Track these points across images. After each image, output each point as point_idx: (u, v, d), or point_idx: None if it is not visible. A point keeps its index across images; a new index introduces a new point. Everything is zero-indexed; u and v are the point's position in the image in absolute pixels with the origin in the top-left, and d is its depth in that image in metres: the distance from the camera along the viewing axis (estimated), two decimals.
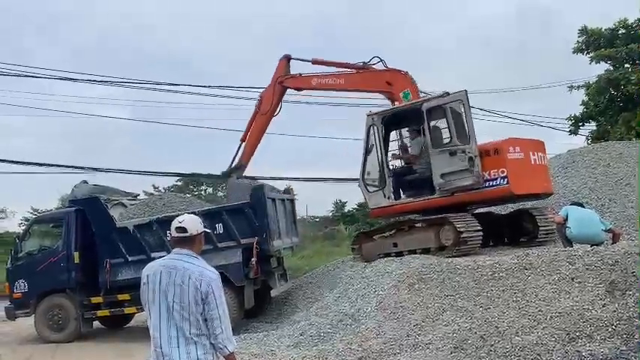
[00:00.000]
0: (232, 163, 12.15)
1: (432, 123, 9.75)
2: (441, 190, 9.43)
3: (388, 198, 10.06)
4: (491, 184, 9.12)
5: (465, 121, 9.38)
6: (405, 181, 10.32)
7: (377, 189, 10.23)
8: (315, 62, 11.81)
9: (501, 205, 10.61)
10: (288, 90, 11.96)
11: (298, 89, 12.16)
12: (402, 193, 10.31)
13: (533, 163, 9.49)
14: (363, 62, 11.32)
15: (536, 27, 79.84)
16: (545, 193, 9.95)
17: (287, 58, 11.89)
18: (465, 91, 9.53)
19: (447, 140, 9.63)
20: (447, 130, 9.74)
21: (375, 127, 10.22)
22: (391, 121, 10.54)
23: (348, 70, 11.56)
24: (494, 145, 9.36)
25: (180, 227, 3.43)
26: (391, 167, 10.51)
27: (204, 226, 3.57)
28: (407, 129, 10.91)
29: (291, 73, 11.89)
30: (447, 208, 9.57)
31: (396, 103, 10.72)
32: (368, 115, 10.42)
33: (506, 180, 9.00)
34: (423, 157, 10.00)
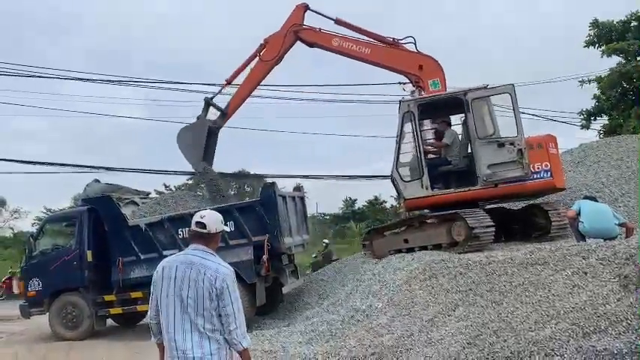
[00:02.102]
0: (212, 98, 11.54)
1: (478, 113, 9.71)
2: (486, 182, 9.39)
3: (426, 188, 9.69)
4: (535, 176, 9.34)
5: (514, 113, 9.45)
6: (441, 171, 10.05)
7: (413, 179, 9.89)
8: (338, 22, 10.93)
9: (540, 198, 10.67)
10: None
11: (311, 45, 11.10)
12: (438, 184, 9.94)
13: (560, 158, 9.98)
14: (394, 38, 10.79)
15: (545, 21, 79.26)
16: (559, 187, 9.97)
17: (304, 7, 10.98)
18: (512, 84, 9.59)
19: (492, 132, 9.75)
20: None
21: (411, 115, 9.82)
22: (426, 109, 10.15)
23: (376, 41, 10.90)
24: (538, 140, 9.60)
25: (199, 222, 3.45)
26: (409, 157, 10.18)
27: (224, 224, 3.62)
28: (436, 119, 10.76)
29: (306, 25, 11.01)
30: (487, 200, 9.76)
31: (417, 91, 10.42)
32: (402, 102, 10.03)
33: (549, 173, 9.36)
34: (456, 148, 9.97)
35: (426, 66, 10.48)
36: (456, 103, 9.81)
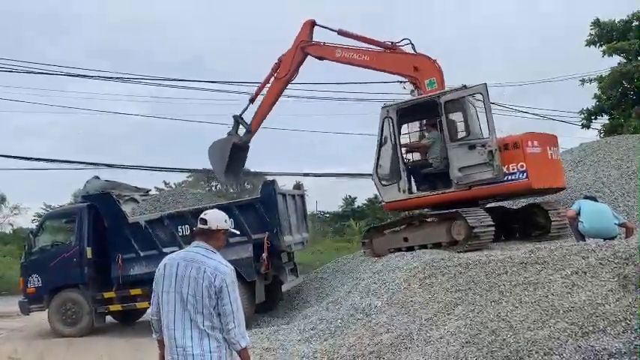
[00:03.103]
0: (241, 114, 12.14)
1: (450, 116, 9.71)
2: (458, 184, 9.39)
3: (403, 192, 9.96)
4: (510, 178, 9.12)
5: (485, 114, 9.38)
6: (420, 174, 10.23)
7: (391, 182, 10.12)
8: (341, 33, 11.39)
9: (517, 199, 10.57)
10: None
11: (320, 58, 11.61)
12: (417, 186, 10.18)
13: (549, 157, 9.51)
14: (392, 42, 11.03)
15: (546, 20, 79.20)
16: (559, 187, 9.90)
17: (311, 23, 11.53)
18: (485, 84, 9.53)
19: (464, 134, 9.63)
20: (462, 123, 9.73)
21: (390, 120, 10.10)
22: (407, 113, 10.38)
23: (375, 47, 11.19)
24: (514, 139, 9.36)
25: (202, 219, 3.49)
26: (406, 160, 10.44)
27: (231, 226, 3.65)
28: (424, 122, 10.87)
29: (315, 40, 11.52)
30: (463, 202, 9.57)
31: (417, 90, 10.51)
32: (383, 108, 10.29)
33: (525, 174, 9.03)
34: (437, 151, 9.96)
35: (421, 67, 10.52)
36: (433, 106, 9.86)
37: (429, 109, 10.08)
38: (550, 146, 9.69)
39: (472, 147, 9.32)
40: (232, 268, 3.42)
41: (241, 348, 3.33)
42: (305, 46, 11.45)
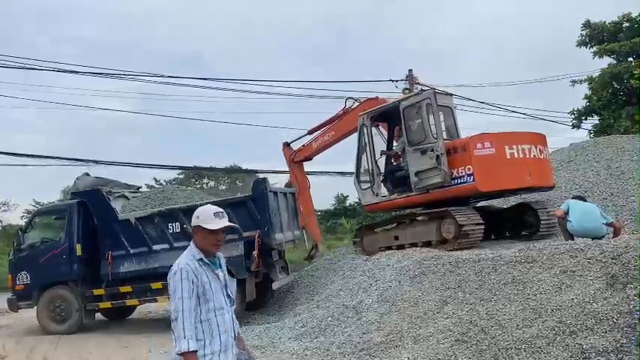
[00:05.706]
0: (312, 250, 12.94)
1: (410, 121, 9.87)
2: (417, 188, 9.58)
3: (376, 195, 10.51)
4: (458, 181, 9.12)
5: (434, 119, 9.52)
6: (392, 178, 10.66)
7: (367, 186, 10.65)
8: (309, 132, 13.03)
9: (476, 201, 10.47)
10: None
11: (309, 158, 13.09)
12: (388, 190, 10.69)
13: (509, 157, 9.07)
14: (342, 109, 12.23)
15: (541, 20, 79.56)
16: (544, 186, 9.79)
17: (286, 144, 13.31)
18: (433, 89, 9.91)
19: (423, 138, 9.66)
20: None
21: (366, 127, 10.61)
22: (379, 120, 11.09)
23: (333, 122, 12.35)
24: (462, 143, 9.36)
25: None
26: (381, 165, 10.88)
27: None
28: (397, 127, 11.23)
29: (295, 151, 13.05)
30: (424, 205, 9.99)
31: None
32: (359, 116, 10.86)
33: (472, 177, 8.95)
34: (405, 156, 10.22)
35: (367, 109, 11.18)
36: (397, 112, 10.12)
37: (395, 116, 10.33)
38: (516, 145, 9.19)
39: (424, 152, 9.46)
40: (183, 266, 3.14)
41: (177, 353, 2.95)
42: (293, 158, 12.99)
